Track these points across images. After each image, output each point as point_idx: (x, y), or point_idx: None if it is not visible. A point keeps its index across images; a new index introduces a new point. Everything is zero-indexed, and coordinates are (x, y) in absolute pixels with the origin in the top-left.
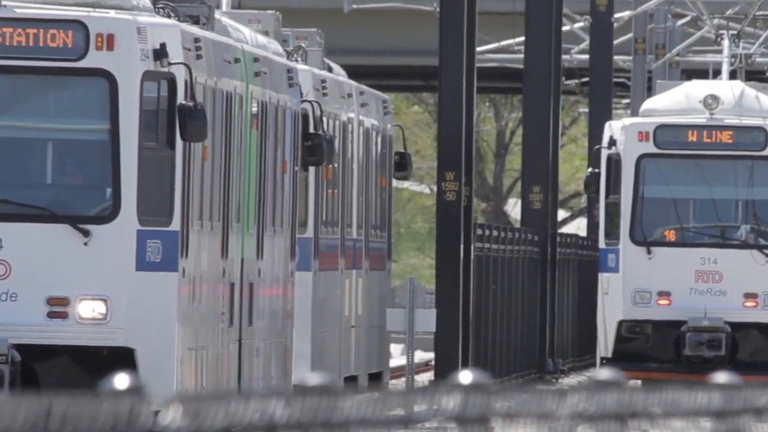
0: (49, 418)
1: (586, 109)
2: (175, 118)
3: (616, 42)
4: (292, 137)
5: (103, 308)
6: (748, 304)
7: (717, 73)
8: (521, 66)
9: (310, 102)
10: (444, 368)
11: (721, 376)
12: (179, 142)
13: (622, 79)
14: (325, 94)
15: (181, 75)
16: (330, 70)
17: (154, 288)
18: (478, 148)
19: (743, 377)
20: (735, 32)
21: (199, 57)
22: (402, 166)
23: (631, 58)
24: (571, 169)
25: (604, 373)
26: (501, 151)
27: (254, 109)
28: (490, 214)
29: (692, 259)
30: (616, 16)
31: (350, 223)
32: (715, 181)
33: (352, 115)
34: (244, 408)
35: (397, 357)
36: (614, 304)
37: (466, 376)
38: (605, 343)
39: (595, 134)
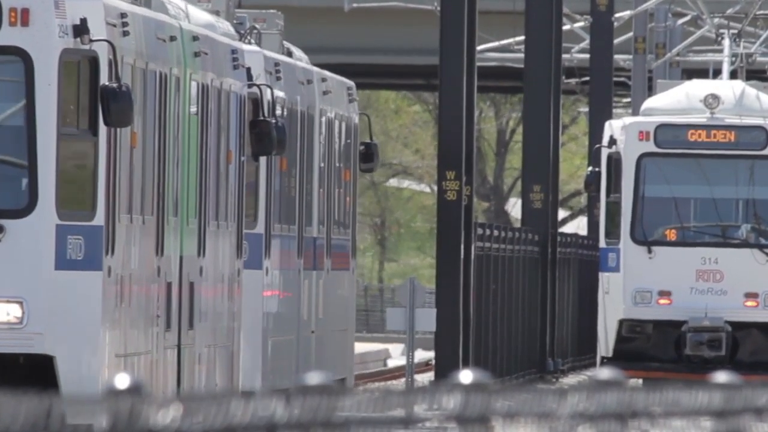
0: None
1: (587, 109)
2: (98, 101)
3: (616, 41)
4: (238, 124)
5: (18, 311)
6: (749, 303)
7: (717, 73)
8: (521, 65)
9: (259, 86)
10: (444, 368)
11: (722, 376)
12: (103, 128)
13: (622, 79)
14: (278, 79)
15: (104, 53)
16: (290, 54)
17: (76, 289)
18: (479, 148)
19: (743, 377)
20: (735, 31)
21: (126, 34)
22: (368, 157)
23: (631, 57)
24: (572, 168)
25: (604, 373)
26: (501, 151)
27: (193, 93)
28: (490, 213)
29: (693, 258)
30: (617, 15)
31: (310, 219)
32: (715, 180)
33: (311, 102)
34: (245, 408)
35: (397, 357)
36: (615, 304)
37: (466, 376)
38: (606, 342)
39: (595, 133)
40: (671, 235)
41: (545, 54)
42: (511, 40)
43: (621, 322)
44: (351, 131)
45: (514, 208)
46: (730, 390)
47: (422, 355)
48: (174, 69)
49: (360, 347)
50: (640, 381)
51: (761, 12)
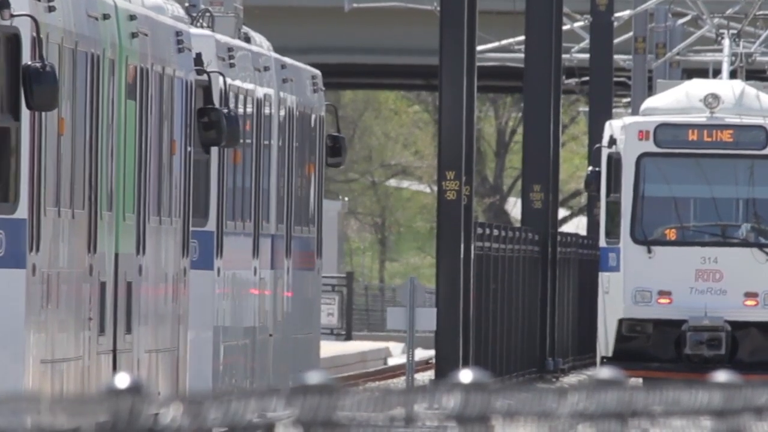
0: None
1: (586, 108)
2: (20, 82)
3: (616, 41)
4: (184, 112)
5: None
6: (749, 303)
7: (717, 73)
8: (521, 65)
9: (208, 72)
10: (444, 367)
11: (722, 375)
12: (26, 112)
13: (622, 79)
14: (232, 65)
15: (26, 30)
16: (248, 40)
17: None
18: (479, 148)
19: (743, 376)
20: (735, 31)
21: (51, 9)
22: (335, 151)
23: (631, 57)
24: (572, 168)
25: (604, 372)
26: (501, 151)
27: (131, 76)
28: (490, 213)
29: (693, 258)
30: (617, 15)
31: (267, 216)
32: (715, 179)
33: (270, 90)
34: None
35: (397, 356)
36: (615, 303)
37: (466, 375)
38: (606, 342)
39: (595, 133)
40: (671, 234)
41: (545, 54)
42: (511, 40)
43: (621, 322)
44: (316, 123)
45: (514, 207)
46: (730, 389)
47: (422, 354)
48: (108, 50)
49: (360, 346)
50: (640, 380)
51: (761, 12)
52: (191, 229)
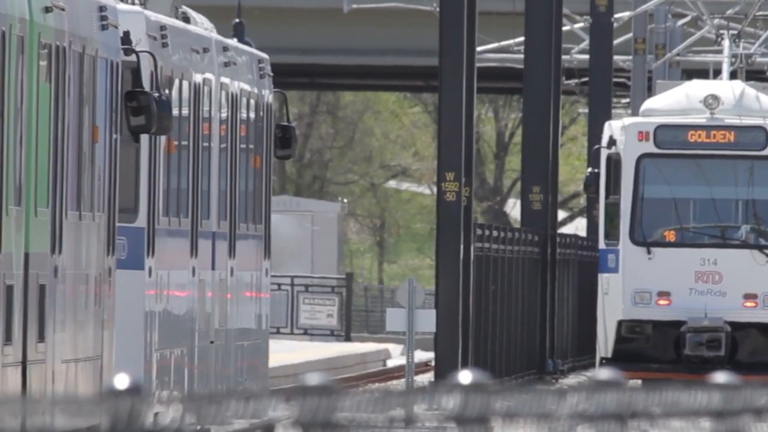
0: None
1: (586, 109)
2: None
3: (616, 42)
4: (109, 95)
5: None
6: (748, 304)
7: (717, 73)
8: (521, 66)
9: (137, 53)
10: (444, 368)
11: (721, 376)
12: None
13: (622, 79)
14: (165, 45)
15: None
16: (187, 20)
17: None
18: (478, 149)
19: (743, 377)
20: (735, 32)
21: None
22: (285, 142)
23: (631, 58)
24: (571, 169)
25: (603, 373)
26: (501, 152)
27: (44, 56)
28: (490, 214)
29: (692, 259)
30: (616, 16)
31: (207, 212)
32: (715, 181)
33: (209, 74)
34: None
35: (396, 357)
36: (614, 305)
37: (465, 376)
38: (605, 343)
39: (594, 134)
40: (670, 236)
41: (545, 55)
42: (510, 41)
43: (620, 323)
44: (263, 111)
45: (514, 209)
46: (729, 390)
47: (422, 355)
48: (15, 26)
49: (360, 347)
50: (640, 381)
51: (761, 13)
52: (118, 224)
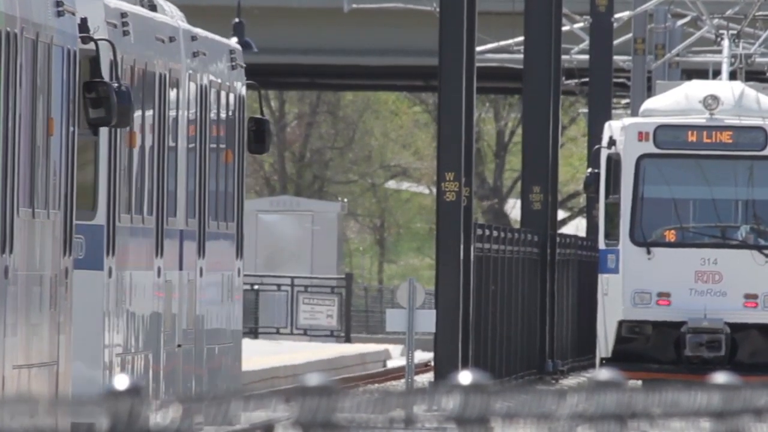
0: None
1: (586, 109)
2: None
3: (615, 42)
4: (65, 86)
5: None
6: (748, 304)
7: (717, 74)
8: (521, 66)
9: (95, 41)
10: (444, 369)
11: (721, 377)
12: None
13: (621, 79)
14: (126, 33)
15: None
16: (153, 8)
17: None
18: (478, 149)
19: (743, 378)
20: (735, 32)
21: None
22: (259, 136)
23: (630, 58)
24: (571, 169)
25: (603, 374)
26: (501, 152)
27: None
28: (490, 214)
29: (692, 259)
30: (616, 16)
31: (173, 209)
32: (715, 181)
33: (175, 64)
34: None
35: (396, 358)
36: (614, 305)
37: (465, 377)
38: (605, 343)
39: (594, 134)
40: (670, 236)
41: (545, 55)
42: (510, 41)
43: (620, 323)
44: (234, 104)
45: (514, 209)
46: (729, 391)
47: (422, 356)
48: None
49: (360, 348)
50: (640, 382)
51: (760, 13)
52: (76, 222)
